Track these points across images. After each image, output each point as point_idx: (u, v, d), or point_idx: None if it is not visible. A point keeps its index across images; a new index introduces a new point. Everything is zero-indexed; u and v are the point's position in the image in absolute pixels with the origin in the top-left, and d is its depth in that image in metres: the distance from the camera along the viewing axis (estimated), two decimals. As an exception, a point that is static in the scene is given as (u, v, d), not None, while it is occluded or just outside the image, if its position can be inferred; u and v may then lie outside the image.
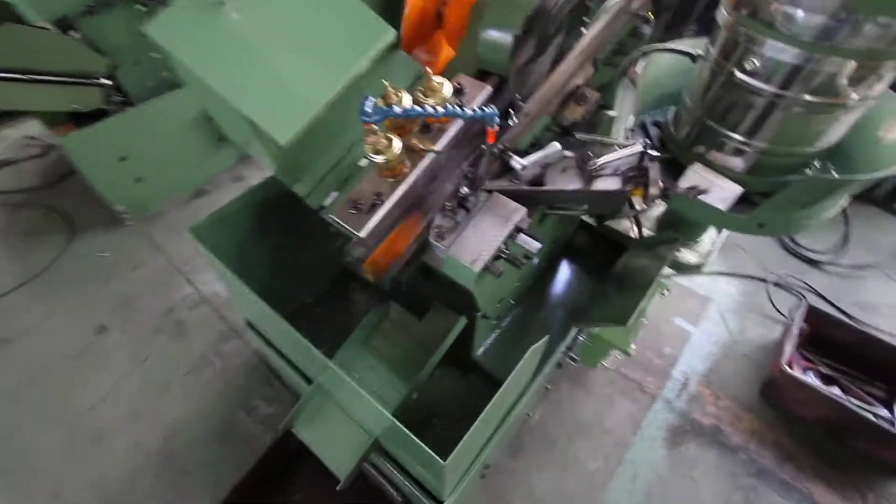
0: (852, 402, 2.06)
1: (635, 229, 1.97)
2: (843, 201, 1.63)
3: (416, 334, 1.56)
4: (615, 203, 1.35)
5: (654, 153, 1.27)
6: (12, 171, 3.52)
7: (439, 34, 1.96)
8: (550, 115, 1.47)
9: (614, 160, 1.29)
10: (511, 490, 2.02)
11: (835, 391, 2.14)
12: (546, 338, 1.24)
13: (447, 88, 1.23)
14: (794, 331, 2.22)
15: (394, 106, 1.07)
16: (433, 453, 1.05)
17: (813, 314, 2.31)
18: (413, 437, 1.07)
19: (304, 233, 1.84)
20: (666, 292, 2.00)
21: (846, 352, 2.28)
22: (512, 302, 1.91)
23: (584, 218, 2.13)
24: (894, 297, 2.73)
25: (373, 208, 1.27)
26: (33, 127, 3.67)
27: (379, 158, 1.16)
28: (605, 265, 2.02)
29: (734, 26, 1.40)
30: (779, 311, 2.63)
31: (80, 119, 2.65)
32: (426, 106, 1.04)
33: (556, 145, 1.31)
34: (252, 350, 2.48)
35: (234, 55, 0.91)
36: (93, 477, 2.08)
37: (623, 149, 1.30)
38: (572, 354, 1.91)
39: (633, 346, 1.73)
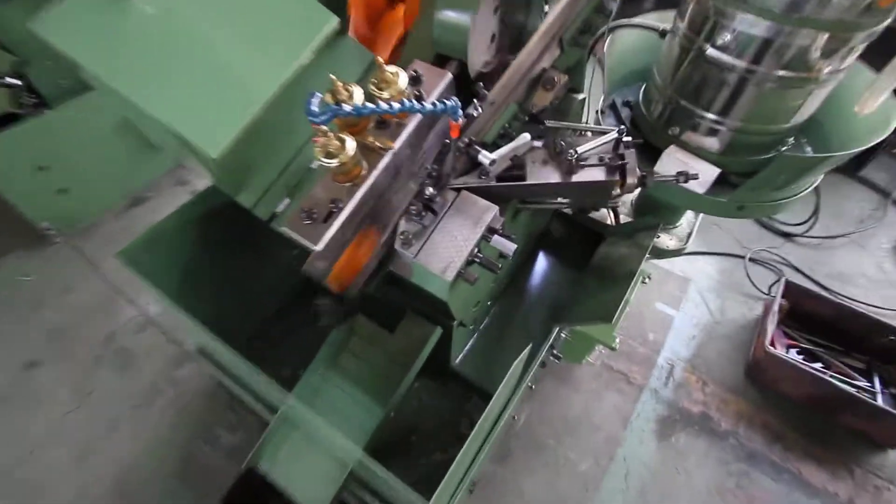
0: (835, 377, 2.15)
1: (612, 216, 1.97)
2: (818, 178, 1.66)
3: (387, 349, 1.50)
4: (601, 194, 1.32)
5: (627, 139, 1.25)
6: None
7: (392, 13, 1.88)
8: (517, 102, 1.42)
9: (595, 148, 1.26)
10: (502, 499, 2.01)
11: (817, 367, 2.23)
12: (529, 347, 1.20)
13: (403, 79, 1.16)
14: (775, 308, 2.29)
15: (343, 104, 1.00)
16: (415, 493, 1.00)
17: (791, 289, 2.39)
18: (391, 477, 1.02)
19: (257, 243, 1.74)
20: (647, 280, 2.02)
21: (825, 325, 2.38)
22: (489, 303, 1.88)
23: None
24: (867, 265, 2.87)
25: (329, 217, 1.19)
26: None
27: (331, 162, 1.08)
28: (584, 255, 2.01)
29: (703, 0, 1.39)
30: (757, 288, 2.71)
31: (-12, 126, 2.43)
32: (380, 102, 0.98)
33: (526, 136, 1.27)
34: (209, 373, 2.36)
35: (149, 56, 0.81)
36: (35, 536, 1.94)
37: (598, 136, 1.27)
38: (556, 353, 1.90)
39: (617, 340, 1.73)
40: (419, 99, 1.26)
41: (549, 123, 1.38)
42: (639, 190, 1.93)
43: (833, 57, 1.32)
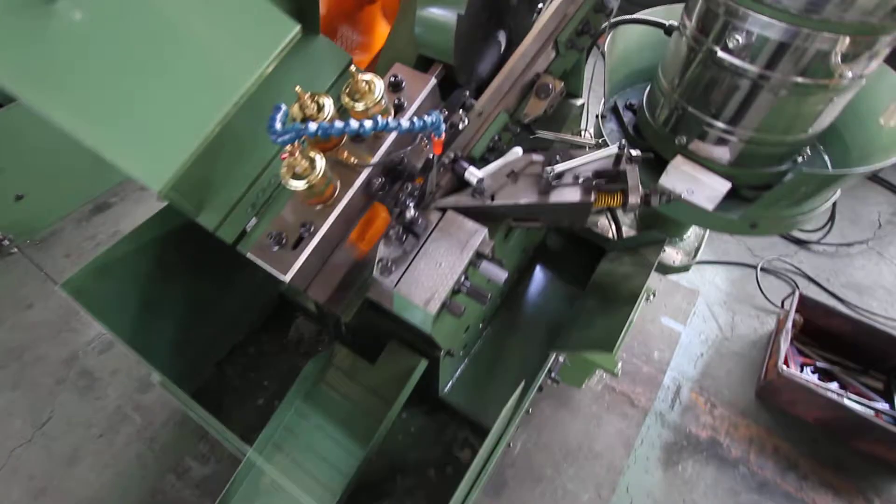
0: (852, 399, 2.10)
1: (613, 229, 1.91)
2: (838, 191, 1.61)
3: (368, 382, 1.43)
4: (577, 215, 1.24)
5: (634, 153, 1.18)
6: None
7: (371, 8, 1.81)
8: (508, 111, 1.36)
9: (586, 165, 1.20)
10: (495, 535, 1.95)
11: (832, 387, 2.18)
12: (522, 384, 1.14)
13: (378, 88, 1.09)
14: (788, 325, 2.24)
15: (310, 121, 0.93)
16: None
17: (805, 304, 2.34)
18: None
19: (225, 260, 1.67)
20: (652, 297, 1.96)
21: (841, 341, 2.33)
22: (480, 325, 1.82)
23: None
24: (885, 275, 2.83)
25: (299, 243, 1.13)
26: None
27: (299, 185, 1.02)
28: (584, 270, 1.95)
29: (712, -3, 1.33)
30: (770, 301, 2.67)
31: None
32: (350, 120, 0.91)
33: (518, 150, 1.20)
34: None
35: (77, 72, 0.73)
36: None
37: (594, 151, 1.20)
38: (555, 377, 1.84)
39: (619, 365, 1.67)
40: (399, 108, 1.19)
41: (542, 134, 1.31)
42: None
43: (855, 62, 1.26)
